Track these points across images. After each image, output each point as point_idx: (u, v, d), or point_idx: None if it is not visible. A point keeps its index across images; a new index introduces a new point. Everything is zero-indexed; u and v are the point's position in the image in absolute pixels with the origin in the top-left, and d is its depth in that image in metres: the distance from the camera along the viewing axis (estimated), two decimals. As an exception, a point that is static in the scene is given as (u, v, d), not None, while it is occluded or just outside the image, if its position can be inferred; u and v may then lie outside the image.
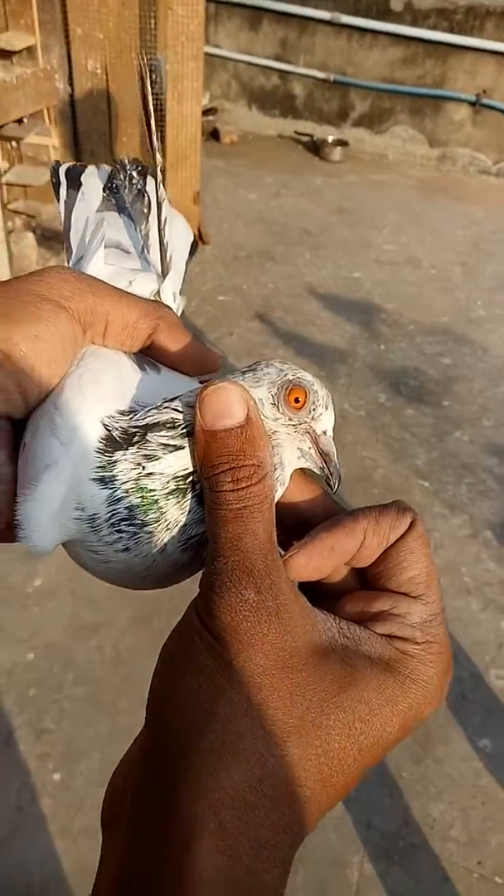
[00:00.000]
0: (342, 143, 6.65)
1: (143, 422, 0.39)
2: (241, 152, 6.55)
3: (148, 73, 0.47)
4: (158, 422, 0.39)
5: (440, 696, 0.39)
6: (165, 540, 0.40)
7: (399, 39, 6.32)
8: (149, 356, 0.45)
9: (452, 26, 6.14)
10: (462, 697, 2.12)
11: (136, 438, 0.39)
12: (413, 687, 0.37)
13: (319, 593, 0.42)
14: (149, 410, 0.40)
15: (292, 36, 6.68)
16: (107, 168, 0.60)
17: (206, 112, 6.07)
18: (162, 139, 4.23)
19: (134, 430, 0.39)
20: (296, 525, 0.43)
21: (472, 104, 6.35)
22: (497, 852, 1.79)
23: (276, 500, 0.39)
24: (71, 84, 3.95)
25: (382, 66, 6.50)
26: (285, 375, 0.42)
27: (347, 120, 6.86)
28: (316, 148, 6.70)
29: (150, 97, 0.48)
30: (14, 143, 3.60)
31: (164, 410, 0.40)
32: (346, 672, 0.36)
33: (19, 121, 3.51)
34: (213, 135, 6.68)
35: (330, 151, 6.60)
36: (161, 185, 0.54)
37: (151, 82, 4.10)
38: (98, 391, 0.41)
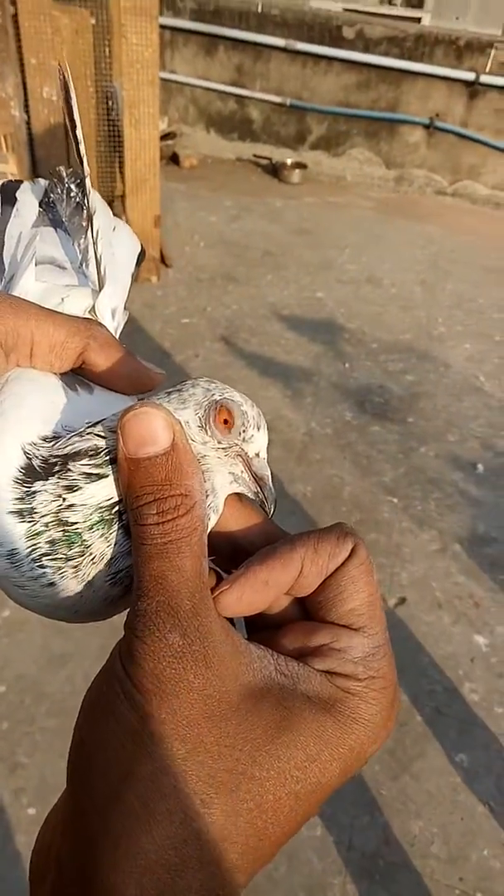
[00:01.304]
0: (301, 165, 6.76)
1: (64, 450, 0.37)
2: (201, 175, 6.61)
3: (71, 82, 0.46)
4: (80, 450, 0.37)
5: (384, 734, 0.37)
6: (92, 574, 0.37)
7: (352, 65, 6.47)
8: (82, 376, 0.43)
9: (403, 53, 6.30)
10: (437, 712, 2.12)
11: (56, 468, 0.37)
12: (355, 727, 0.35)
13: (258, 623, 0.40)
14: (71, 437, 0.38)
15: (248, 62, 6.79)
16: (43, 183, 0.58)
17: (164, 136, 6.12)
18: (120, 164, 4.25)
19: (55, 458, 0.37)
20: (233, 554, 0.41)
21: (427, 127, 6.50)
22: (477, 868, 1.78)
23: (208, 530, 0.37)
24: (27, 111, 3.96)
25: (337, 90, 6.63)
26: (212, 395, 0.40)
27: (305, 143, 6.97)
28: (275, 171, 6.80)
29: (74, 106, 0.46)
30: (-29, 171, 3.59)
31: (87, 437, 0.38)
32: (283, 716, 0.34)
33: (-24, 148, 3.51)
34: (173, 159, 6.74)
35: (289, 174, 6.69)
36: (93, 194, 0.52)
37: (108, 109, 4.12)
38: (21, 416, 0.38)
